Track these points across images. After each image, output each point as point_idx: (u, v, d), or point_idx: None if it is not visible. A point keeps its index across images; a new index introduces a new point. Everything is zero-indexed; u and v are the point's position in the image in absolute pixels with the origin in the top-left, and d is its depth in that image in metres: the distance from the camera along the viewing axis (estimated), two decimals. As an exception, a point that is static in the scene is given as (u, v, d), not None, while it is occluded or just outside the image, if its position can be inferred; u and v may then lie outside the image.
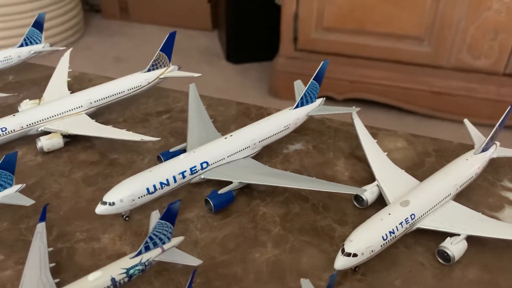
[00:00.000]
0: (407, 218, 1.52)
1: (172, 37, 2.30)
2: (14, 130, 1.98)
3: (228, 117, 2.29)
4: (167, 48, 2.32)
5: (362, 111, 5.83)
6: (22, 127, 2.00)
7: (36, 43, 2.59)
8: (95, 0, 7.49)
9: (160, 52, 2.32)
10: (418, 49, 5.02)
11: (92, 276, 1.35)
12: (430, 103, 5.11)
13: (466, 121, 2.02)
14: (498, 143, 1.91)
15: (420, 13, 4.83)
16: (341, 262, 1.41)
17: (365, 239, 1.44)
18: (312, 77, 2.05)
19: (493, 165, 1.93)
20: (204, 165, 1.78)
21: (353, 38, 5.15)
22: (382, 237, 1.46)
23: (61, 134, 2.01)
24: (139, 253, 1.41)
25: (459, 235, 1.53)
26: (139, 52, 6.49)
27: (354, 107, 2.07)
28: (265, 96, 5.67)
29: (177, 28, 7.57)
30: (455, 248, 1.50)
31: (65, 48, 2.54)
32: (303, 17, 5.14)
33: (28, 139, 2.05)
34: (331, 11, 5.06)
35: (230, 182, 1.76)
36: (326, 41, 5.23)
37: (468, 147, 1.97)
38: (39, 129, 2.03)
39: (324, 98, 2.16)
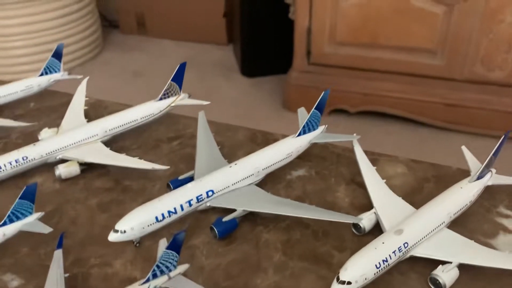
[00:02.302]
0: (400, 246, 1.60)
1: (182, 67, 2.43)
2: (34, 158, 2.13)
3: (236, 143, 2.39)
4: (178, 78, 2.45)
5: (375, 123, 5.85)
6: (42, 155, 2.15)
7: (56, 71, 2.75)
8: (113, 16, 7.70)
9: (171, 81, 2.44)
10: (431, 62, 5.05)
11: (104, 303, 1.46)
12: (444, 116, 5.15)
13: (463, 148, 2.08)
14: (494, 171, 1.97)
15: (433, 26, 4.87)
16: (336, 290, 1.50)
17: (359, 268, 1.52)
18: (314, 107, 2.14)
19: (490, 191, 1.99)
20: (210, 193, 1.88)
21: (366, 51, 5.21)
22: (376, 265, 1.54)
23: (78, 162, 2.14)
24: (147, 280, 1.52)
25: (451, 262, 1.60)
26: (156, 67, 6.68)
27: (355, 134, 2.15)
28: (279, 109, 5.77)
29: (193, 42, 7.78)
30: (446, 275, 1.57)
31: (81, 76, 2.69)
32: (315, 31, 5.22)
33: (47, 166, 2.19)
34: (344, 25, 5.14)
35: (235, 210, 1.86)
36: (339, 55, 5.31)
37: (466, 172, 2.03)
38: (57, 157, 2.17)
39: (326, 126, 2.24)
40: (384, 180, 1.98)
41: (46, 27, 6.11)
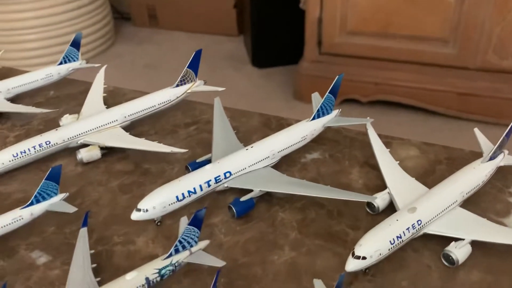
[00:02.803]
0: (414, 224, 1.65)
1: (198, 54, 2.48)
2: (57, 143, 2.20)
3: (250, 128, 2.45)
4: (194, 65, 2.51)
5: (387, 112, 5.86)
6: (64, 140, 2.22)
7: (74, 60, 2.83)
8: (125, 8, 7.77)
9: (187, 68, 2.50)
10: (443, 50, 5.03)
11: (129, 276, 1.53)
12: (456, 105, 5.14)
13: (476, 130, 2.11)
14: (506, 152, 2.00)
15: (445, 15, 4.85)
16: (351, 265, 1.55)
17: (374, 243, 1.57)
18: (328, 91, 2.19)
19: (502, 172, 2.02)
20: (228, 174, 1.94)
21: (377, 41, 5.20)
22: (390, 241, 1.59)
23: (99, 146, 2.21)
24: (170, 255, 1.59)
25: (464, 239, 1.65)
26: (168, 59, 6.74)
27: (368, 118, 2.19)
28: (290, 100, 5.80)
29: (204, 34, 7.79)
30: (459, 252, 1.61)
31: (100, 65, 2.75)
32: (326, 21, 5.22)
33: (69, 151, 2.26)
34: (354, 15, 5.13)
35: (251, 190, 1.92)
36: (350, 45, 5.30)
37: (478, 154, 2.06)
38: (79, 142, 2.24)
39: (340, 110, 2.29)
40: (398, 162, 2.02)
41: (59, 20, 6.20)
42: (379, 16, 5.03)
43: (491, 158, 1.93)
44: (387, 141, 2.24)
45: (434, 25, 4.92)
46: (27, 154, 2.14)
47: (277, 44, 6.33)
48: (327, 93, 2.18)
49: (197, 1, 7.16)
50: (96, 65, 2.80)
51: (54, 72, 2.77)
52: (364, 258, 1.54)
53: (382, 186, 1.95)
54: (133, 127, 2.42)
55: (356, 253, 1.55)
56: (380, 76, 5.33)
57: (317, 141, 2.29)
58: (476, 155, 2.10)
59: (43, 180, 1.82)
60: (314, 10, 5.20)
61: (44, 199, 1.84)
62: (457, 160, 2.12)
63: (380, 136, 2.18)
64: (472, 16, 4.73)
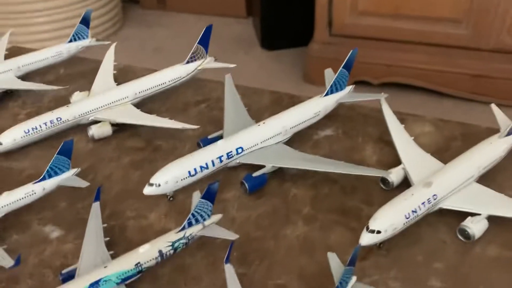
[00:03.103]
0: (429, 198, 1.62)
1: (208, 30, 2.45)
2: (68, 119, 2.19)
3: (262, 105, 2.42)
4: (204, 41, 2.47)
5: (399, 95, 5.80)
6: (75, 117, 2.21)
7: (84, 38, 2.80)
8: (133, -9, 7.71)
9: (197, 45, 2.47)
10: (456, 31, 4.93)
11: (142, 249, 1.53)
12: (469, 87, 5.04)
13: (493, 105, 2.07)
14: (524, 128, 1.96)
15: (457, -5, 4.76)
16: (366, 238, 1.53)
17: (389, 218, 1.55)
18: (342, 66, 2.15)
19: (520, 148, 1.98)
20: (240, 150, 1.92)
21: (389, 22, 5.11)
22: (405, 215, 1.57)
23: (110, 123, 2.20)
24: (183, 228, 1.58)
25: (480, 214, 1.62)
26: (177, 42, 6.68)
27: (382, 93, 2.16)
28: (300, 82, 5.74)
29: (213, 16, 7.71)
30: (475, 226, 1.59)
31: (110, 42, 2.73)
32: (337, 1, 5.13)
33: (80, 127, 2.25)
34: (365, -5, 5.05)
35: (264, 166, 1.90)
36: (361, 26, 5.21)
37: (495, 131, 2.02)
38: (90, 119, 2.23)
39: (354, 85, 2.25)
40: (412, 138, 1.99)
41: (67, 2, 6.16)
42: (391, -4, 4.94)
43: (509, 134, 1.89)
44: (401, 118, 2.20)
45: (446, 5, 4.83)
46: (39, 131, 2.14)
47: (286, 26, 6.25)
48: (340, 68, 2.15)
49: (205, -17, 7.09)
50: (106, 42, 2.77)
51: (64, 50, 2.75)
52: (378, 232, 1.53)
53: (397, 162, 1.92)
54: (144, 104, 2.41)
55: (371, 227, 1.53)
56: (392, 58, 5.25)
57: (330, 118, 2.26)
58: (493, 131, 2.05)
59: (55, 155, 1.82)
60: (325, -10, 5.12)
61: (56, 174, 1.84)
62: (472, 136, 2.08)
63: (394, 113, 2.14)
64: (486, -4, 4.64)
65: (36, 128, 2.13)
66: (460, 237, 1.62)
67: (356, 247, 1.35)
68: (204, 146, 2.01)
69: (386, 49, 5.22)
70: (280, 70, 6.11)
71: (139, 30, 7.23)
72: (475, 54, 4.97)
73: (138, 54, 6.49)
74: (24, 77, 2.66)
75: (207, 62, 2.52)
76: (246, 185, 1.84)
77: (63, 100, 2.46)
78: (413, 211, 1.58)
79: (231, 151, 1.90)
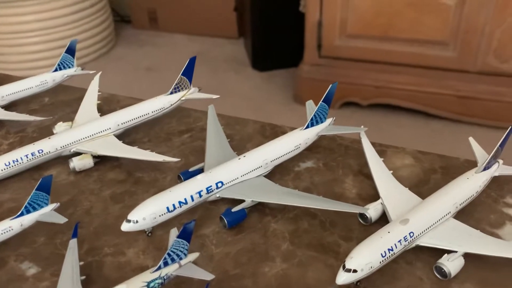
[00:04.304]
0: (406, 236, 1.63)
1: (192, 62, 2.47)
2: (49, 151, 2.19)
3: (245, 136, 2.43)
4: (188, 72, 2.49)
5: (387, 116, 5.83)
6: (57, 149, 2.21)
7: (69, 67, 2.82)
8: (125, 11, 7.78)
9: (181, 76, 2.49)
10: (443, 53, 5.03)
11: (117, 290, 1.51)
12: (456, 108, 5.12)
13: (471, 139, 2.09)
14: (501, 161, 1.98)
15: (445, 18, 4.85)
16: (342, 278, 1.53)
17: (365, 256, 1.55)
18: (321, 99, 2.17)
19: (498, 182, 2.01)
20: (219, 184, 1.93)
21: (378, 44, 5.21)
22: (381, 254, 1.57)
23: (92, 155, 2.20)
24: (159, 268, 1.57)
25: (456, 252, 1.63)
26: (169, 62, 6.73)
27: (362, 126, 2.18)
28: (290, 103, 5.79)
29: (204, 36, 7.79)
30: (451, 264, 1.59)
31: (94, 72, 2.75)
32: (326, 24, 5.23)
33: (61, 159, 2.25)
34: (354, 18, 5.14)
35: (244, 200, 1.90)
36: (350, 48, 5.31)
37: (473, 164, 2.04)
38: (72, 150, 2.23)
39: (334, 118, 2.27)
40: (391, 171, 2.01)
41: (60, 23, 6.23)
42: (379, 19, 5.03)
43: (485, 168, 1.91)
44: (382, 149, 2.22)
45: (434, 28, 4.92)
46: (20, 163, 2.13)
47: (277, 47, 6.34)
48: (320, 102, 2.17)
49: (197, 4, 7.17)
50: (91, 71, 2.79)
51: (49, 79, 2.76)
52: (355, 271, 1.53)
53: (376, 196, 1.93)
54: (127, 135, 2.41)
55: (347, 266, 1.53)
56: (381, 79, 5.33)
57: (311, 149, 2.27)
58: (472, 164, 2.08)
59: (33, 191, 1.81)
60: (314, 13, 5.20)
61: (34, 209, 1.83)
62: (452, 169, 2.10)
63: (374, 144, 2.17)
64: (472, 20, 4.73)
65: (17, 161, 2.13)
66: (436, 274, 1.62)
67: (330, 289, 1.35)
68: (184, 179, 2.01)
69: (375, 70, 5.30)
70: (271, 90, 6.16)
71: (132, 50, 7.29)
72: (462, 76, 5.06)
73: (131, 74, 6.53)
74: (9, 106, 2.67)
75: (191, 93, 2.54)
76: (225, 220, 1.84)
77: (46, 130, 2.46)
78: (389, 249, 1.58)
79: (210, 186, 1.91)
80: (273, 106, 5.80)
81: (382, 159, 2.07)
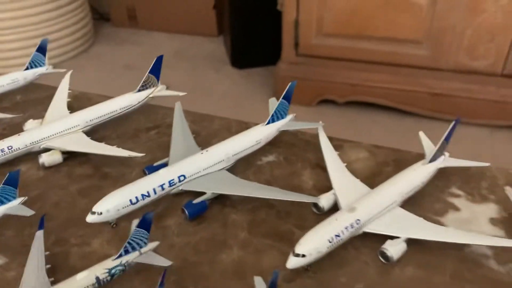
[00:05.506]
0: (353, 223, 1.74)
1: (159, 60, 2.56)
2: (19, 148, 2.26)
3: (211, 132, 2.53)
4: (156, 70, 2.58)
5: (363, 113, 5.93)
6: (26, 145, 2.28)
7: (40, 66, 2.88)
8: (104, 8, 7.78)
9: (148, 74, 2.58)
10: (417, 52, 5.13)
11: (79, 276, 1.61)
12: (430, 105, 5.25)
13: (421, 133, 2.22)
14: (447, 154, 2.11)
15: (418, 18, 4.94)
16: (292, 262, 1.65)
17: (313, 242, 1.67)
18: (282, 96, 2.28)
19: (445, 173, 2.14)
20: (182, 178, 2.02)
21: (353, 43, 5.28)
22: (328, 240, 1.68)
23: (61, 151, 2.28)
24: (120, 256, 1.67)
25: (399, 237, 1.75)
26: (147, 59, 6.68)
27: (320, 122, 2.29)
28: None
29: (184, 34, 7.81)
30: (394, 249, 1.71)
31: (65, 70, 2.82)
32: (303, 23, 5.28)
33: (31, 155, 2.32)
34: (330, 17, 5.21)
35: (205, 193, 2.00)
36: (326, 46, 5.38)
37: (424, 157, 2.16)
38: (41, 147, 2.31)
39: (295, 114, 2.37)
40: (345, 164, 2.12)
41: (37, 20, 6.20)
42: (354, 18, 5.10)
43: (432, 160, 2.03)
44: (339, 144, 2.34)
45: (407, 27, 5.01)
46: (-11, 159, 2.20)
47: (256, 45, 6.41)
48: (280, 99, 2.28)
49: (177, 2, 7.21)
50: (62, 70, 2.86)
51: (20, 77, 2.83)
52: (303, 255, 1.64)
53: (330, 187, 2.04)
54: (96, 132, 2.49)
55: (296, 251, 1.64)
56: (356, 77, 5.42)
57: (274, 144, 2.38)
58: (422, 157, 2.20)
59: (1, 185, 1.89)
60: (291, 12, 5.26)
61: (2, 203, 1.90)
62: (403, 162, 2.22)
63: (332, 139, 2.28)
64: (444, 19, 4.82)
65: (-13, 157, 2.19)
66: (380, 258, 1.74)
67: (276, 271, 1.45)
68: (149, 173, 2.10)
69: (351, 69, 5.39)
70: (251, 88, 6.24)
71: (110, 47, 7.30)
72: (435, 74, 5.17)
73: (109, 71, 6.56)
74: (-21, 104, 2.73)
75: (159, 90, 2.63)
76: (186, 212, 1.93)
77: (17, 127, 2.52)
78: (336, 236, 1.70)
79: (173, 179, 2.00)
80: (252, 104, 5.88)
81: (338, 152, 2.18)
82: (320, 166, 2.23)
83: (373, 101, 5.47)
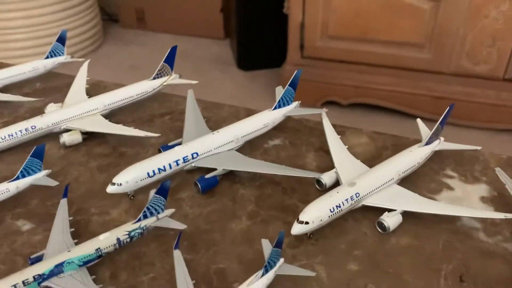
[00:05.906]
0: (352, 195, 1.89)
1: (173, 50, 2.72)
2: (41, 128, 2.42)
3: (220, 117, 2.68)
4: (170, 60, 2.75)
5: (366, 115, 6.03)
6: (48, 125, 2.44)
7: (60, 55, 3.05)
8: (113, 10, 7.95)
9: (163, 63, 2.74)
10: (419, 55, 5.23)
11: (102, 236, 1.76)
12: (431, 108, 5.33)
13: (418, 120, 2.37)
14: (442, 138, 2.26)
15: (420, 21, 5.04)
16: (296, 228, 1.79)
17: (316, 211, 1.81)
18: (288, 84, 2.43)
19: (440, 156, 2.28)
20: (195, 155, 2.18)
21: (357, 45, 5.39)
22: (330, 209, 1.83)
23: (80, 131, 2.43)
24: (139, 220, 1.82)
25: (396, 210, 1.89)
26: (153, 60, 6.87)
27: (324, 108, 2.44)
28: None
29: (191, 37, 7.96)
30: (390, 220, 1.86)
31: (83, 59, 2.98)
32: (308, 26, 5.40)
33: (53, 135, 2.48)
34: (335, 20, 5.32)
35: (216, 169, 2.15)
36: (331, 49, 5.49)
37: (420, 142, 2.31)
38: (62, 127, 2.46)
39: (300, 101, 2.53)
40: (347, 147, 2.27)
41: (47, 20, 6.36)
42: (358, 22, 5.21)
43: (427, 143, 2.18)
44: (342, 130, 2.49)
45: (410, 31, 5.10)
46: (14, 137, 2.35)
47: (262, 48, 6.55)
48: (287, 86, 2.43)
49: (184, 4, 7.38)
50: (81, 59, 3.03)
51: (40, 65, 2.99)
52: (307, 223, 1.78)
53: (332, 167, 2.18)
54: (112, 116, 2.65)
55: (300, 219, 1.79)
56: (359, 80, 5.52)
57: (280, 129, 2.53)
58: (419, 142, 2.34)
59: (28, 157, 2.04)
60: (297, 15, 5.38)
61: (29, 174, 2.06)
62: (401, 146, 2.36)
63: (335, 126, 2.43)
64: (447, 23, 4.93)
65: (12, 135, 2.35)
66: (378, 229, 1.88)
67: (281, 231, 1.59)
68: (164, 151, 2.25)
69: (354, 71, 5.51)
70: (255, 89, 6.38)
71: (118, 48, 7.47)
72: (437, 77, 5.27)
73: (117, 71, 6.71)
74: (2, 90, 2.88)
75: (172, 79, 2.79)
76: (199, 185, 2.08)
77: (38, 111, 2.68)
78: (337, 206, 1.84)
79: (187, 156, 2.15)
80: (257, 104, 5.98)
81: (340, 136, 2.33)
82: (324, 150, 2.38)
83: (376, 103, 5.58)
